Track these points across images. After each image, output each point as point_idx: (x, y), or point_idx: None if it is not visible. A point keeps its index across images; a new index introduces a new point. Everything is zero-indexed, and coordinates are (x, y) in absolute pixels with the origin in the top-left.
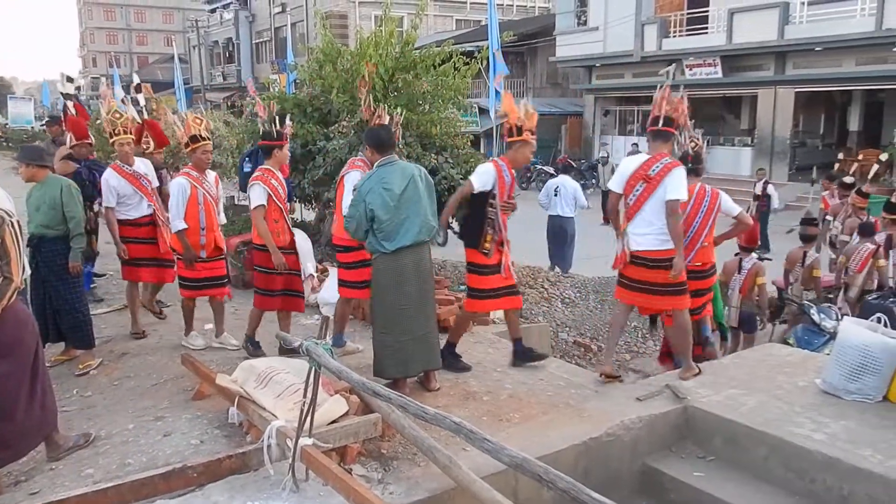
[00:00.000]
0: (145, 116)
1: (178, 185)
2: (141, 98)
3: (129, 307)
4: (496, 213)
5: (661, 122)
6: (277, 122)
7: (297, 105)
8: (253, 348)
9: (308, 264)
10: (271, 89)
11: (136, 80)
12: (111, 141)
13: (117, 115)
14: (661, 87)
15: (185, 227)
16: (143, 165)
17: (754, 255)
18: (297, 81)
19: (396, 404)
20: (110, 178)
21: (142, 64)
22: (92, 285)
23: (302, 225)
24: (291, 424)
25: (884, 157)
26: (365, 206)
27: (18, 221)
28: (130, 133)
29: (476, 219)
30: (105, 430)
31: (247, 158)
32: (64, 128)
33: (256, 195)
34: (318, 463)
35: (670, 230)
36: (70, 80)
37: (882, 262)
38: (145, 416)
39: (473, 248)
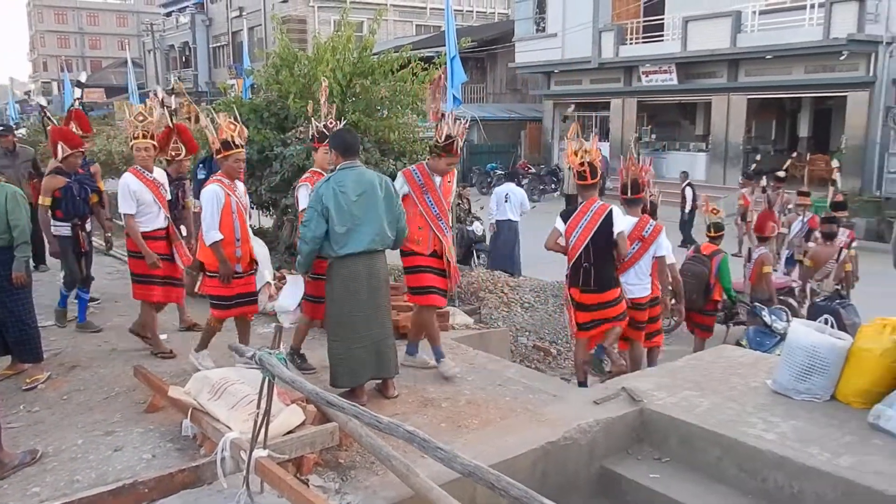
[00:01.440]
0: (176, 120)
1: (212, 193)
2: (173, 100)
3: (146, 330)
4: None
5: (629, 190)
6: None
7: (253, 110)
8: (301, 361)
9: (265, 272)
10: (228, 94)
11: (172, 81)
12: (130, 144)
13: (141, 118)
14: (625, 157)
15: (221, 237)
16: (160, 175)
17: (763, 247)
18: (254, 86)
19: (350, 413)
20: (130, 183)
21: (95, 68)
22: (88, 310)
23: (259, 232)
24: (246, 436)
25: (835, 163)
26: (321, 207)
27: None
28: (153, 138)
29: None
30: (53, 447)
31: (201, 165)
32: (13, 139)
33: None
34: (273, 475)
35: (661, 277)
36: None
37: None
38: (95, 431)
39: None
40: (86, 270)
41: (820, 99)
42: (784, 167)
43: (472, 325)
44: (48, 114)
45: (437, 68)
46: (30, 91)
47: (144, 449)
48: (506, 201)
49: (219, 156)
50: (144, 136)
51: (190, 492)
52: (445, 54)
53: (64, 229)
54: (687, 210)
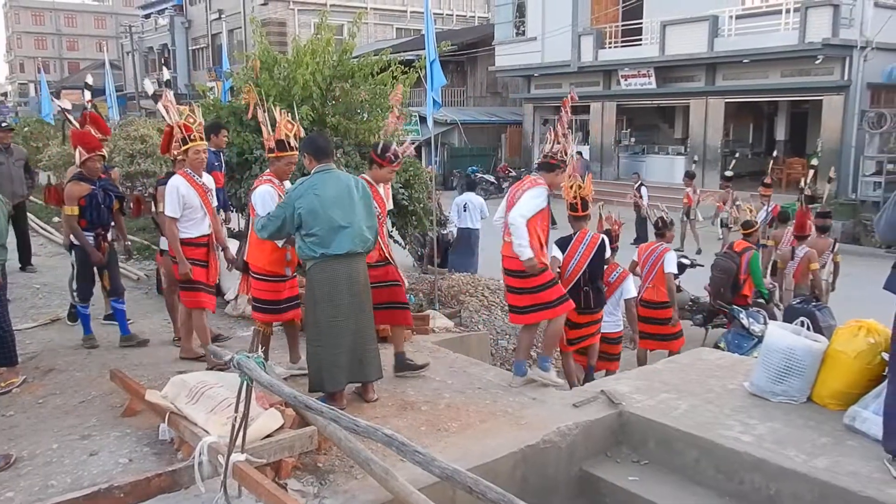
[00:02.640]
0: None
1: (267, 193)
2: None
3: (191, 350)
4: None
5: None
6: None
7: (232, 113)
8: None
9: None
10: (207, 97)
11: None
12: (184, 148)
13: (192, 119)
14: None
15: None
16: (208, 180)
17: (805, 246)
18: (234, 89)
19: (328, 417)
20: (180, 186)
21: (72, 69)
22: (129, 321)
23: (238, 235)
24: (224, 440)
25: (814, 161)
26: (293, 210)
27: None
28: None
29: None
30: (28, 451)
31: None
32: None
33: None
34: (251, 479)
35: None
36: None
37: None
38: (71, 435)
39: None
40: (114, 281)
41: (796, 103)
42: (768, 174)
43: (453, 329)
44: (70, 117)
45: (417, 71)
46: (6, 92)
47: (121, 453)
48: (465, 210)
49: (271, 155)
50: (200, 139)
51: (167, 496)
52: (426, 57)
53: (88, 238)
54: (643, 209)
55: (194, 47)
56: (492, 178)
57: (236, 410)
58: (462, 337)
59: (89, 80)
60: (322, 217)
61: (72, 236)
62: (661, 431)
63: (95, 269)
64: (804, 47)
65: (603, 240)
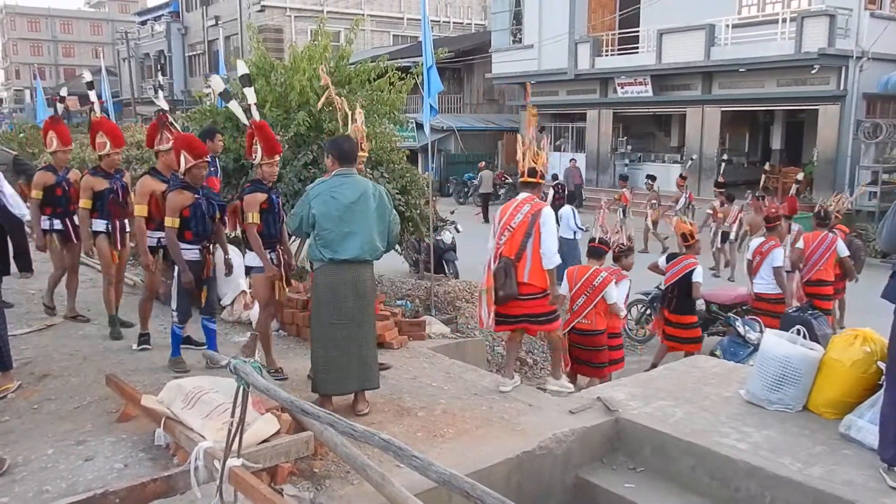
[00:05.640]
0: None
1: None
2: (250, 93)
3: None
4: None
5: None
6: None
7: (229, 118)
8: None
9: (240, 280)
10: (204, 103)
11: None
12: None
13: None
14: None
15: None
16: None
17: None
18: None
19: (325, 422)
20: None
21: (68, 76)
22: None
23: (235, 240)
24: (220, 445)
25: (800, 176)
26: (309, 209)
27: None
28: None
29: None
30: (22, 456)
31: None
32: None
33: None
34: (247, 484)
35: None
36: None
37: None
38: (66, 441)
39: None
40: (210, 295)
41: (792, 112)
42: (761, 184)
43: (449, 335)
44: (170, 119)
45: (413, 78)
46: (2, 99)
47: (116, 458)
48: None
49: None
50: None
51: (162, 501)
52: (422, 64)
53: (192, 253)
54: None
55: (191, 53)
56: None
57: (233, 415)
58: (458, 343)
59: (87, 76)
60: (334, 220)
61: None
62: (657, 438)
63: (198, 284)
64: (800, 57)
65: (692, 269)
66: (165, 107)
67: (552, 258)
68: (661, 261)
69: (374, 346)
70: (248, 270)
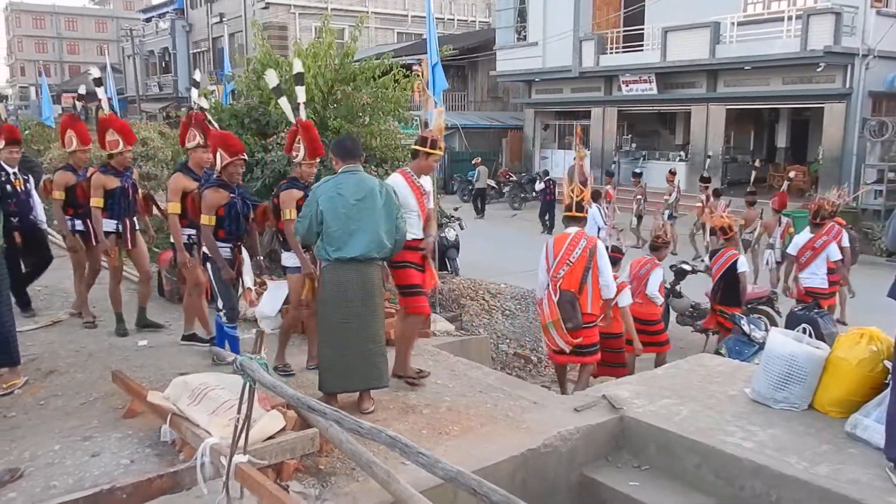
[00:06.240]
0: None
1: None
2: (301, 92)
3: (406, 366)
4: None
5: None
6: None
7: (234, 116)
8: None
9: (246, 277)
10: (209, 100)
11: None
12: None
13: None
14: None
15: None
16: (427, 182)
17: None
18: (235, 92)
19: (331, 418)
20: (399, 185)
21: (73, 73)
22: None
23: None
24: (226, 441)
25: (791, 174)
26: (317, 206)
27: None
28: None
29: None
30: (29, 452)
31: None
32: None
33: None
34: (253, 480)
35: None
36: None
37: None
38: (72, 437)
39: None
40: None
41: (797, 110)
42: (751, 180)
43: (453, 332)
44: (209, 117)
45: (418, 76)
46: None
47: (122, 454)
48: None
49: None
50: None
51: (169, 497)
52: (427, 61)
53: (224, 251)
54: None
55: (195, 51)
56: (492, 183)
57: (239, 412)
58: (463, 341)
59: (95, 72)
60: (340, 217)
61: (205, 248)
62: (662, 437)
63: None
64: (806, 55)
65: (736, 259)
66: (205, 105)
67: (611, 287)
68: (706, 259)
69: (382, 345)
70: (284, 270)
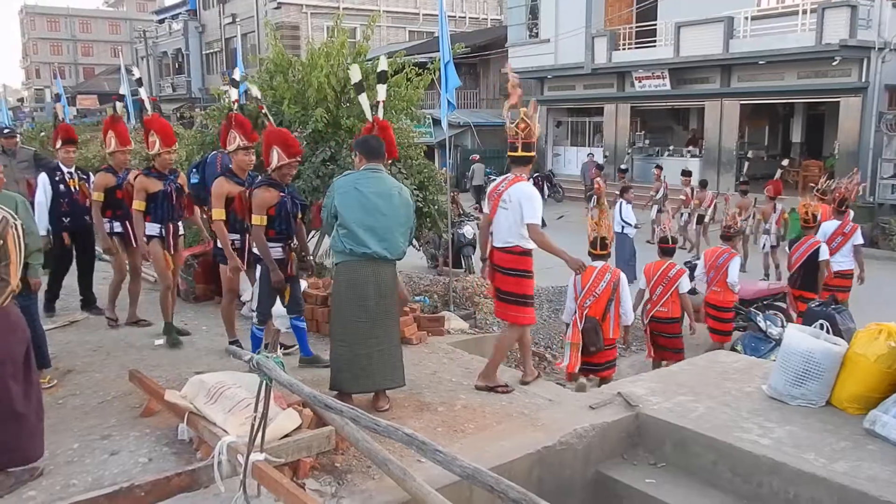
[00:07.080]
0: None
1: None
2: (381, 90)
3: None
4: None
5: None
6: None
7: (247, 116)
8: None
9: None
10: (222, 101)
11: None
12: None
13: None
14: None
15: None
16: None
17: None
18: (248, 92)
19: (348, 416)
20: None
21: (87, 75)
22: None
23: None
24: (243, 440)
25: (785, 162)
26: (332, 200)
27: (22, 225)
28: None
29: None
30: (49, 451)
31: (194, 170)
32: (16, 140)
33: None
34: (270, 478)
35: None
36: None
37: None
38: (91, 435)
39: None
40: (295, 296)
41: (813, 104)
42: (745, 170)
43: (468, 330)
44: (266, 111)
45: (431, 74)
46: (23, 98)
47: (140, 453)
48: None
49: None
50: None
51: (186, 495)
52: (439, 59)
53: (275, 251)
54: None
55: (208, 51)
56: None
57: (255, 410)
58: (477, 338)
59: (136, 72)
60: (357, 212)
61: (255, 249)
62: (678, 434)
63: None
64: (821, 49)
65: (819, 248)
66: (257, 94)
67: (629, 315)
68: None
69: (397, 344)
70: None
